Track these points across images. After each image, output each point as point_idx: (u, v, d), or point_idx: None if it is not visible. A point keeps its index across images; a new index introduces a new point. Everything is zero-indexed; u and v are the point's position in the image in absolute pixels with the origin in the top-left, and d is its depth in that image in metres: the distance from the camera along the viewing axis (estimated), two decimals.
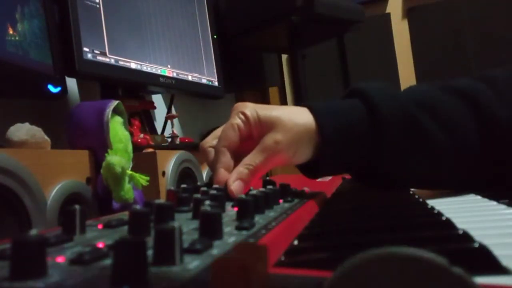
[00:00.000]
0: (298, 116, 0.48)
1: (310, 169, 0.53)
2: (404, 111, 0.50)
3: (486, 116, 0.50)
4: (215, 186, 0.45)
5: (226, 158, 0.47)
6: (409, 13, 2.22)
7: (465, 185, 0.52)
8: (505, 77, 0.53)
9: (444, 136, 0.50)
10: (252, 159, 0.46)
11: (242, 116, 0.48)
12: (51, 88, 0.81)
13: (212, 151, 0.50)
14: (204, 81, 1.37)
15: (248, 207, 0.30)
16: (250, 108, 0.48)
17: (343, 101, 0.53)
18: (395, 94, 0.52)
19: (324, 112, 0.49)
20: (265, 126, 0.47)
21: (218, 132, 0.51)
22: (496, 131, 0.50)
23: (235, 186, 0.45)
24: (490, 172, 0.52)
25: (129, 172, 0.74)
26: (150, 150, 0.93)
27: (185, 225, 0.29)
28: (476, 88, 0.52)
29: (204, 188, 0.42)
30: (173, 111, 1.41)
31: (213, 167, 0.48)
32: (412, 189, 0.55)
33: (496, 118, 0.50)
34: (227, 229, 0.26)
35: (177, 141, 1.21)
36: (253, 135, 0.48)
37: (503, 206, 0.38)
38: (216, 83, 1.43)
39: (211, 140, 0.52)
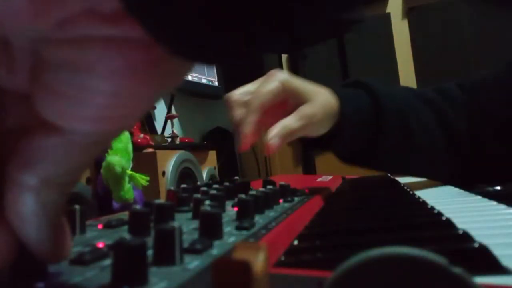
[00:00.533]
0: (328, 96, 0.54)
1: (314, 144, 0.59)
2: (397, 111, 0.60)
3: (448, 124, 0.63)
4: (215, 186, 0.45)
5: (257, 117, 0.49)
6: (409, 13, 2.22)
7: (437, 176, 0.65)
8: (458, 91, 0.66)
9: (423, 136, 0.61)
10: (290, 122, 0.49)
11: (281, 84, 0.51)
12: None
13: (240, 106, 0.52)
14: (204, 81, 1.37)
15: (248, 207, 0.30)
16: (289, 78, 0.53)
17: (354, 90, 0.61)
18: (391, 92, 0.62)
19: (344, 96, 0.56)
20: (301, 98, 0.52)
21: (250, 88, 0.53)
22: (456, 139, 0.63)
23: (273, 141, 0.47)
24: (453, 169, 0.64)
25: (129, 172, 0.74)
26: (150, 150, 0.93)
27: (185, 225, 0.29)
28: (438, 101, 0.65)
29: (204, 188, 0.42)
30: (173, 111, 1.41)
31: (240, 122, 0.50)
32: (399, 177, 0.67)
33: (456, 129, 0.63)
34: (227, 229, 0.26)
35: (177, 141, 1.21)
36: (286, 102, 0.52)
37: (503, 206, 0.38)
38: (216, 83, 1.43)
39: (240, 95, 0.54)
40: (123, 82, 0.14)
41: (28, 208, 0.16)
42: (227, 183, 0.47)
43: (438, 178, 0.66)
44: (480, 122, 0.64)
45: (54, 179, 0.16)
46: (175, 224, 0.18)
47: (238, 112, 0.52)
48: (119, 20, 0.13)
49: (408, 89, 0.69)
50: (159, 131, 1.26)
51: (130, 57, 0.14)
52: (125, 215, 0.34)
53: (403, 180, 0.76)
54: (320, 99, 0.53)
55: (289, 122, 0.49)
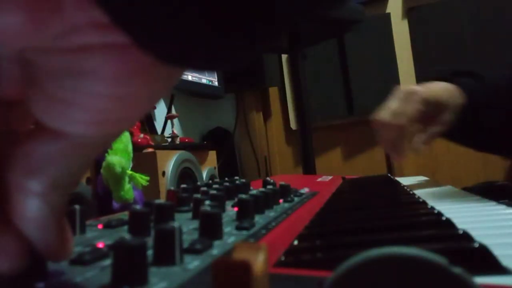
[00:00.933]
0: (458, 97, 0.64)
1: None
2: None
3: None
4: (215, 186, 0.44)
5: (405, 131, 0.62)
6: (409, 13, 2.22)
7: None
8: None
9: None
10: (435, 130, 0.63)
11: (423, 104, 0.62)
12: None
13: (388, 128, 0.63)
14: (204, 81, 1.37)
15: (248, 207, 0.30)
16: (428, 93, 0.62)
17: (469, 81, 0.69)
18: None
19: (466, 90, 0.65)
20: (440, 108, 0.63)
21: (394, 108, 0.63)
22: None
23: (418, 146, 0.63)
24: None
25: (129, 172, 0.74)
26: (150, 150, 0.93)
27: (185, 225, 0.29)
28: None
29: (204, 188, 0.42)
30: (173, 111, 1.41)
31: (391, 144, 0.63)
32: None
33: None
34: (227, 229, 0.26)
35: (177, 141, 1.21)
36: (427, 113, 0.62)
37: (503, 206, 0.38)
38: (216, 83, 1.43)
39: (386, 116, 0.63)
40: (124, 85, 0.15)
41: (36, 212, 0.16)
42: (227, 183, 0.47)
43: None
44: None
45: (59, 183, 0.16)
46: (175, 224, 0.18)
47: (387, 135, 0.63)
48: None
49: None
50: (159, 131, 1.26)
51: (130, 61, 0.14)
52: (125, 215, 0.34)
53: (402, 180, 0.76)
54: (455, 105, 0.63)
55: (434, 129, 0.62)
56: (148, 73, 0.15)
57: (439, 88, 0.65)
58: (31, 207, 0.16)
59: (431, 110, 0.63)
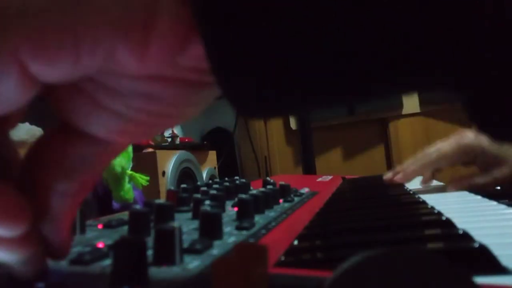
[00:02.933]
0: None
1: None
2: None
3: None
4: (215, 186, 0.44)
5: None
6: None
7: None
8: None
9: None
10: (478, 181, 0.57)
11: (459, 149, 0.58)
12: None
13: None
14: None
15: (248, 207, 0.30)
16: (474, 142, 0.57)
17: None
18: None
19: None
20: (491, 161, 0.57)
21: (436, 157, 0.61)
22: None
23: (452, 187, 0.57)
24: None
25: (129, 172, 0.74)
26: (150, 150, 0.93)
27: (185, 225, 0.29)
28: None
29: (204, 188, 0.42)
30: None
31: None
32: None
33: None
34: (227, 229, 0.26)
35: (177, 141, 1.21)
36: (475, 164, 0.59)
37: (503, 206, 0.38)
38: None
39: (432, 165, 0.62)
40: (181, 109, 0.17)
41: (67, 212, 0.17)
42: (227, 183, 0.47)
43: None
44: None
45: (87, 184, 0.17)
46: (175, 224, 0.18)
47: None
48: (200, 68, 0.14)
49: None
50: None
51: (201, 96, 0.16)
52: (125, 215, 0.34)
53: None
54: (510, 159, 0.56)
55: (478, 181, 0.56)
56: (205, 104, 0.17)
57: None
58: (62, 207, 0.17)
59: (483, 162, 0.58)
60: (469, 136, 0.59)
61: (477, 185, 0.56)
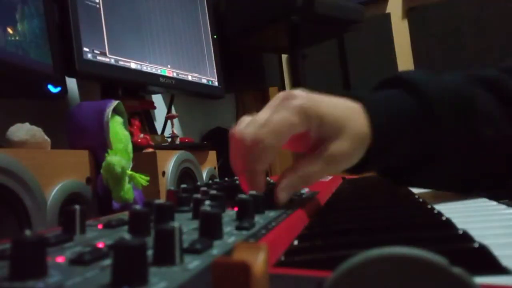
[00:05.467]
0: (360, 123, 0.43)
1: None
2: (456, 113, 0.45)
3: None
4: (215, 186, 0.44)
5: (271, 158, 0.40)
6: (409, 13, 2.22)
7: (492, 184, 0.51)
8: None
9: (487, 135, 0.46)
10: (314, 169, 0.41)
11: (302, 114, 0.40)
12: (51, 88, 0.81)
13: (245, 141, 0.40)
14: (204, 81, 1.37)
15: (248, 207, 0.30)
16: (312, 104, 0.41)
17: (392, 96, 0.48)
18: (444, 87, 0.47)
19: (380, 114, 0.44)
20: (328, 130, 0.41)
21: (260, 119, 0.41)
22: None
23: (283, 197, 0.40)
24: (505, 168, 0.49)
25: (129, 172, 0.74)
26: (150, 150, 0.93)
27: (185, 225, 0.29)
28: (504, 81, 0.49)
29: (204, 188, 0.42)
30: (173, 111, 1.41)
31: (250, 166, 0.41)
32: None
33: None
34: (227, 229, 0.26)
35: (177, 141, 1.21)
36: (308, 134, 0.42)
37: (503, 206, 0.38)
38: (216, 83, 1.43)
39: (245, 128, 0.41)
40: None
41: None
42: (227, 183, 0.47)
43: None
44: None
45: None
46: (175, 224, 0.18)
47: (238, 154, 0.41)
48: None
49: (462, 75, 0.52)
50: (159, 131, 1.26)
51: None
52: (125, 215, 0.34)
53: None
54: (353, 131, 0.42)
55: (311, 168, 0.41)
56: None
57: (340, 111, 0.42)
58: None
59: (316, 135, 0.42)
60: (300, 95, 0.41)
61: (311, 175, 0.41)
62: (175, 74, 1.21)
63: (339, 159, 0.41)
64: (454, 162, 0.47)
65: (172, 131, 1.22)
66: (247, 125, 0.41)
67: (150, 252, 0.18)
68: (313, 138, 0.42)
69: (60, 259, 0.20)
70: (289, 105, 0.40)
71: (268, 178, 0.54)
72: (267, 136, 0.39)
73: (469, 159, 0.47)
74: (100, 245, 0.23)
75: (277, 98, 0.42)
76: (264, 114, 0.41)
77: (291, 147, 0.45)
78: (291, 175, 0.41)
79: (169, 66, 1.19)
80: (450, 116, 0.45)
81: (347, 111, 0.43)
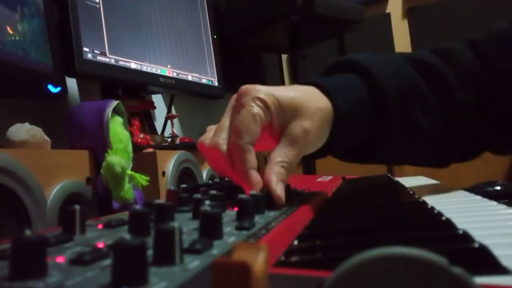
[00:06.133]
0: (317, 100, 0.44)
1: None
2: (400, 96, 0.51)
3: (448, 98, 0.54)
4: (215, 186, 0.44)
5: (253, 156, 0.40)
6: (409, 13, 2.22)
7: (435, 162, 0.61)
8: (465, 55, 0.57)
9: (425, 122, 0.53)
10: (285, 154, 0.40)
11: (260, 104, 0.41)
12: (51, 88, 0.81)
13: (220, 149, 0.41)
14: (204, 81, 1.37)
15: (248, 207, 0.30)
16: (266, 93, 0.42)
17: (347, 78, 0.50)
18: (391, 72, 0.52)
19: (337, 93, 0.46)
20: (287, 113, 0.41)
21: (224, 124, 0.42)
22: (455, 113, 0.54)
23: (280, 190, 0.38)
24: (452, 151, 0.58)
25: (129, 172, 0.74)
26: (150, 150, 0.93)
27: (185, 225, 0.29)
28: (439, 66, 0.55)
29: (204, 188, 0.42)
30: (173, 111, 1.41)
31: (239, 169, 0.40)
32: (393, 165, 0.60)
33: (456, 100, 0.53)
34: (227, 229, 0.26)
35: (177, 141, 1.21)
36: (272, 124, 0.42)
37: (503, 206, 0.38)
38: (216, 83, 1.43)
39: (214, 137, 0.42)
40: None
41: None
42: (227, 183, 0.47)
43: (436, 165, 0.61)
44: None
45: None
46: (175, 224, 0.18)
47: (216, 159, 0.41)
48: None
49: (402, 57, 0.57)
50: (159, 131, 1.26)
51: None
52: (125, 215, 0.34)
53: (402, 180, 0.76)
54: (311, 109, 0.42)
55: (283, 154, 0.40)
56: None
57: (297, 94, 0.43)
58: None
59: (279, 123, 0.42)
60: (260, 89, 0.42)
61: (290, 165, 0.40)
62: (175, 74, 1.21)
63: (303, 137, 0.41)
64: (400, 137, 0.53)
65: (172, 131, 1.22)
66: (215, 133, 0.42)
67: (150, 252, 0.18)
68: (278, 127, 0.42)
69: (60, 259, 0.20)
70: (245, 102, 0.41)
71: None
72: (240, 136, 0.40)
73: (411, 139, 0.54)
74: (100, 245, 0.23)
75: (232, 99, 0.44)
76: (227, 118, 0.43)
77: (264, 147, 0.46)
78: (274, 168, 0.40)
79: (169, 66, 1.19)
80: (395, 96, 0.51)
81: (302, 91, 0.45)
